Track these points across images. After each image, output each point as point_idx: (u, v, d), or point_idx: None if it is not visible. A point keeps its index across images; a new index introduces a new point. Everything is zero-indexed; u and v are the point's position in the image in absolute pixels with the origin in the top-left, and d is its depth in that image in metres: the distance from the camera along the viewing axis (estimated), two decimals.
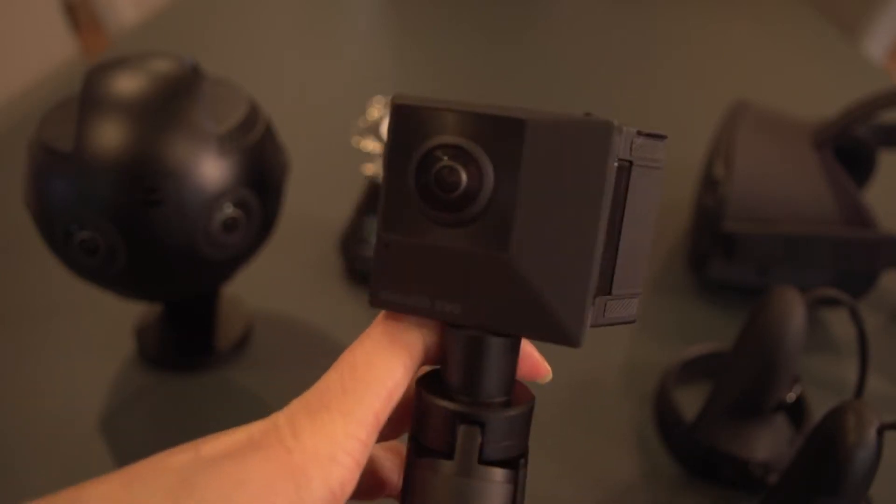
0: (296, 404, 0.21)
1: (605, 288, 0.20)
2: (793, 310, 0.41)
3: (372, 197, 0.58)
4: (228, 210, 0.43)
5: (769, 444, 0.44)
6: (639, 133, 0.20)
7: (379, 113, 0.56)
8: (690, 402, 0.49)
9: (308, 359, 0.54)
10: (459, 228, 0.20)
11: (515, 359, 0.22)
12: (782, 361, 0.42)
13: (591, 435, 0.48)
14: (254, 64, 1.02)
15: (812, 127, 0.60)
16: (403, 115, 0.20)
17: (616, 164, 0.19)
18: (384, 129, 0.56)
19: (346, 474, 0.19)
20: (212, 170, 0.42)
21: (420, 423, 0.21)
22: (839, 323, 0.58)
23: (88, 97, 0.42)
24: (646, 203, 0.21)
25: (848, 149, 0.61)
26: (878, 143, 0.61)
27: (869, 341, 0.42)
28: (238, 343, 0.54)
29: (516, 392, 0.22)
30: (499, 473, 0.20)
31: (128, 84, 0.42)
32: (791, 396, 0.44)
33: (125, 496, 0.20)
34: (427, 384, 0.22)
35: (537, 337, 0.20)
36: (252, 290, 0.59)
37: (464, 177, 0.19)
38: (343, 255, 0.61)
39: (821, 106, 0.79)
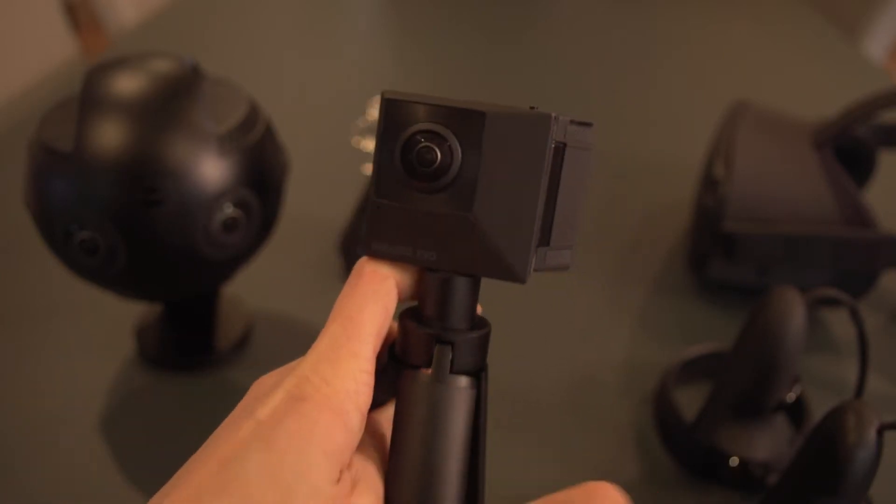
0: (312, 356, 0.25)
1: (545, 241, 0.27)
2: (793, 310, 0.41)
3: None
4: (228, 210, 0.43)
5: (769, 444, 0.44)
6: (571, 122, 0.26)
7: None
8: (690, 402, 0.49)
9: None
10: (434, 195, 0.26)
11: (476, 295, 0.27)
12: (782, 361, 0.42)
13: (591, 435, 0.48)
14: (254, 64, 1.02)
15: (812, 127, 0.60)
16: (391, 107, 0.26)
17: (553, 145, 0.25)
18: None
19: (366, 397, 0.25)
20: (212, 170, 0.42)
21: (403, 346, 0.27)
22: (839, 323, 0.58)
23: (88, 97, 0.42)
24: (577, 176, 0.27)
25: (848, 149, 0.61)
26: (878, 143, 0.61)
27: (869, 341, 0.42)
28: (238, 343, 0.54)
29: (477, 321, 0.28)
30: (465, 380, 0.26)
31: (128, 84, 0.42)
32: (791, 396, 0.44)
33: (221, 480, 0.23)
34: (409, 316, 0.28)
35: (493, 276, 0.26)
36: (252, 290, 0.59)
37: (438, 155, 0.25)
38: (343, 255, 0.61)
39: (821, 106, 0.79)
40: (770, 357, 0.42)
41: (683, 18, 1.21)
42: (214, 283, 0.48)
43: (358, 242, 0.27)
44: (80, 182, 0.41)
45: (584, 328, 0.57)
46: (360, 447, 0.27)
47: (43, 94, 1.04)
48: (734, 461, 0.44)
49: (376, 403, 0.29)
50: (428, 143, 0.25)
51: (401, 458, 0.26)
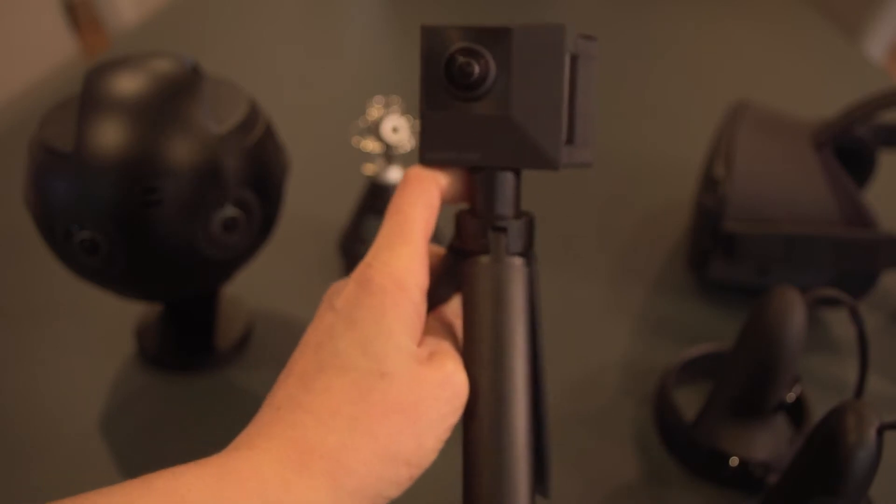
0: (372, 249, 0.30)
1: (570, 138, 0.31)
2: (793, 310, 0.41)
3: (372, 197, 0.58)
4: (228, 210, 0.43)
5: (769, 444, 0.44)
6: (580, 35, 0.31)
7: (379, 113, 0.56)
8: (690, 402, 0.49)
9: None
10: (475, 102, 0.30)
11: (519, 188, 0.32)
12: (782, 361, 0.42)
13: (591, 435, 0.48)
14: (254, 64, 1.02)
15: (812, 127, 0.60)
16: (430, 34, 0.31)
17: (569, 55, 0.30)
18: (385, 128, 0.56)
19: (423, 277, 0.30)
20: (212, 170, 0.42)
21: (462, 238, 0.32)
22: (839, 323, 0.58)
23: (88, 97, 0.42)
24: (589, 82, 0.32)
25: (848, 149, 0.61)
26: (878, 143, 0.61)
27: (869, 341, 0.42)
28: (238, 343, 0.54)
29: (521, 211, 0.32)
30: (519, 260, 0.30)
31: (128, 84, 0.42)
32: (791, 396, 0.44)
33: (318, 360, 0.28)
34: (465, 212, 0.32)
35: (532, 166, 0.30)
36: (252, 290, 0.59)
37: (476, 68, 0.30)
38: (343, 255, 0.61)
39: (821, 106, 0.79)
40: (770, 357, 0.42)
41: (683, 18, 1.21)
42: (214, 283, 0.48)
43: (421, 155, 0.32)
44: (80, 182, 0.41)
45: (584, 328, 0.57)
46: (433, 331, 0.31)
47: (43, 94, 1.04)
48: (734, 461, 0.44)
49: (441, 299, 0.34)
50: (467, 58, 0.30)
51: (475, 331, 0.30)
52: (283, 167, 0.49)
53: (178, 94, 0.43)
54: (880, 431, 0.33)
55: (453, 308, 0.34)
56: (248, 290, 0.58)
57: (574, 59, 0.30)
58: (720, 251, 0.56)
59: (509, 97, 0.30)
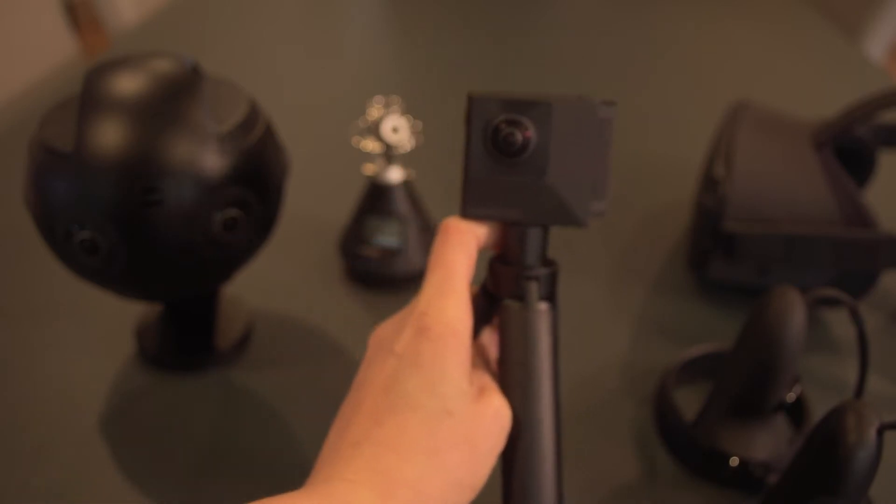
0: (424, 298, 0.33)
1: (595, 195, 0.35)
2: (793, 310, 0.41)
3: (372, 197, 0.58)
4: (228, 210, 0.43)
5: (769, 444, 0.44)
6: (602, 103, 0.34)
7: (379, 113, 0.56)
8: (690, 402, 0.49)
9: (308, 359, 0.54)
10: (517, 167, 0.34)
11: (547, 242, 0.35)
12: (782, 361, 0.42)
13: (591, 435, 0.48)
14: (254, 64, 1.02)
15: (812, 127, 0.60)
16: (478, 103, 0.34)
17: (605, 124, 0.34)
18: (385, 128, 0.56)
19: (470, 322, 0.33)
20: (212, 170, 0.42)
21: (496, 284, 0.35)
22: (839, 323, 0.58)
23: (88, 97, 0.42)
24: (610, 144, 0.35)
25: (848, 149, 0.60)
26: (878, 143, 0.61)
27: (869, 341, 0.42)
28: (238, 343, 0.54)
29: (548, 261, 0.36)
30: (545, 305, 0.35)
31: (128, 84, 0.42)
32: (791, 396, 0.44)
33: (389, 401, 0.31)
34: (498, 261, 0.35)
35: (562, 224, 0.34)
36: (252, 290, 0.59)
37: (519, 137, 0.33)
38: (343, 255, 0.61)
39: (821, 106, 0.79)
40: (770, 357, 0.42)
41: (683, 18, 1.21)
42: (214, 283, 0.48)
43: (462, 208, 0.35)
44: (80, 182, 0.41)
45: (584, 328, 0.57)
46: (475, 364, 0.35)
47: (43, 94, 1.04)
48: (734, 461, 0.44)
49: (476, 332, 0.37)
50: (511, 128, 0.33)
51: (510, 367, 0.34)
52: (283, 167, 0.49)
53: (178, 94, 0.43)
54: (880, 431, 0.33)
55: (486, 337, 0.38)
56: (248, 290, 0.58)
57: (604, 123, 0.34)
58: (720, 251, 0.56)
59: (547, 163, 0.34)
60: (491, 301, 0.36)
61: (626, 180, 0.76)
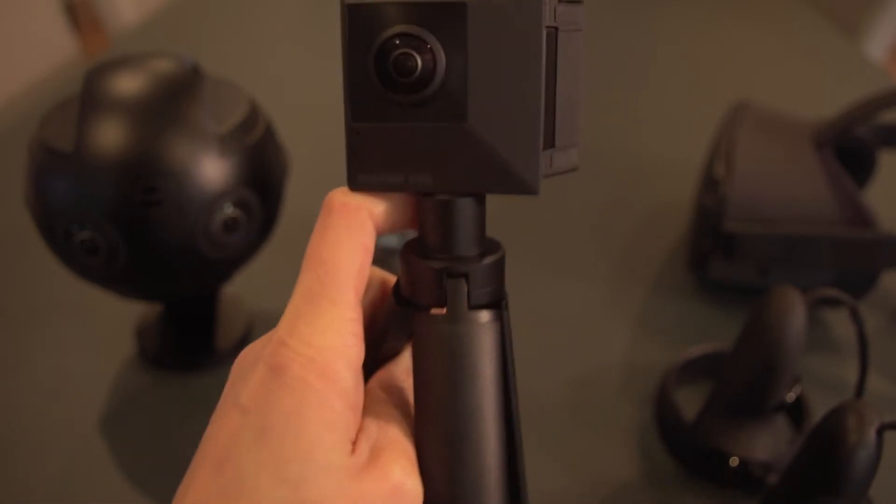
0: (287, 316, 0.23)
1: (550, 142, 0.23)
2: (793, 310, 0.41)
3: None
4: (228, 210, 0.43)
5: (769, 444, 0.44)
6: (560, 1, 0.23)
7: None
8: (690, 402, 0.49)
9: None
10: (420, 108, 0.22)
11: (483, 215, 0.24)
12: (782, 361, 0.42)
13: (591, 435, 0.48)
14: (254, 64, 1.02)
15: (812, 127, 0.60)
16: (356, 13, 0.22)
17: (546, 31, 0.22)
18: None
19: (357, 349, 0.22)
20: (212, 170, 0.42)
21: (410, 285, 0.24)
22: (839, 323, 0.58)
23: (88, 97, 0.42)
24: (574, 62, 0.23)
25: (848, 149, 0.60)
26: (879, 143, 0.61)
27: (869, 341, 0.42)
28: (238, 343, 0.54)
29: (488, 245, 0.25)
30: (486, 315, 0.23)
31: (128, 84, 0.42)
32: (791, 396, 0.44)
33: (220, 486, 0.21)
34: (412, 250, 0.24)
35: (501, 191, 0.23)
36: (252, 290, 0.59)
37: (419, 60, 0.22)
38: None
39: (821, 106, 0.79)
40: (770, 357, 0.42)
41: (683, 18, 1.21)
42: (214, 283, 0.48)
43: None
44: (80, 182, 0.41)
45: (584, 328, 0.57)
46: (376, 408, 0.24)
47: (43, 94, 1.04)
48: (734, 461, 0.44)
49: (389, 353, 0.26)
50: (405, 49, 0.22)
51: (428, 415, 0.23)
52: (283, 167, 0.49)
53: (178, 94, 0.43)
54: (880, 431, 0.33)
55: (405, 365, 0.27)
56: (248, 290, 0.58)
57: (552, 35, 0.22)
58: (720, 251, 0.56)
59: (465, 99, 0.22)
60: (406, 311, 0.24)
61: (625, 180, 0.76)
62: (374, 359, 0.26)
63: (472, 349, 0.23)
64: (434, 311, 0.23)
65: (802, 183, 0.56)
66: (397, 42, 0.22)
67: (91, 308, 0.58)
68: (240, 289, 0.58)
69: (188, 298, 0.50)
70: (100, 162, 0.40)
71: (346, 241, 0.23)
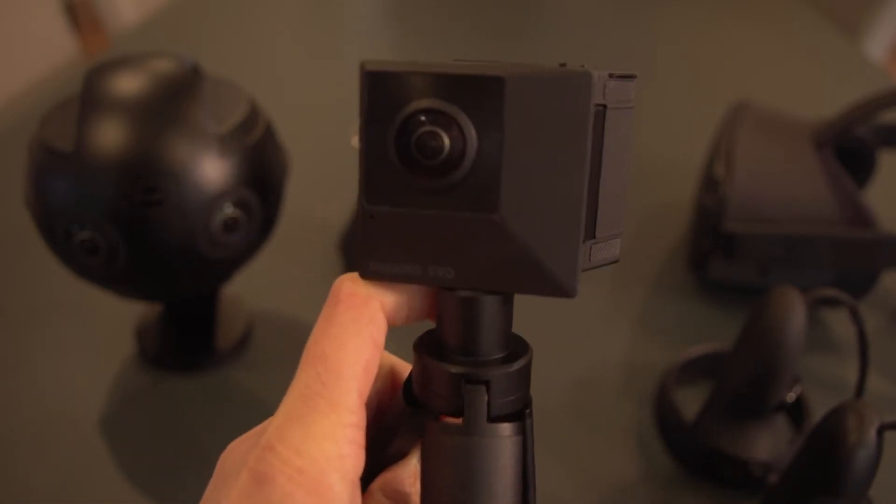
0: (280, 416, 0.20)
1: (590, 233, 0.21)
2: (793, 310, 0.41)
3: None
4: (228, 210, 0.43)
5: (769, 444, 0.44)
6: (610, 76, 0.20)
7: None
8: (690, 402, 0.49)
9: None
10: (445, 193, 0.20)
11: (510, 312, 0.22)
12: (782, 361, 0.42)
13: (591, 435, 0.48)
14: (254, 64, 1.02)
15: (812, 127, 0.60)
16: (377, 82, 0.20)
17: (593, 109, 0.19)
18: None
19: (355, 460, 0.20)
20: (212, 170, 0.42)
21: (423, 388, 0.21)
22: (839, 323, 0.58)
23: (88, 97, 0.42)
24: (621, 144, 0.21)
25: (848, 149, 0.60)
26: (879, 143, 0.61)
27: (869, 341, 0.42)
28: (238, 343, 0.54)
29: (514, 345, 0.22)
30: (507, 428, 0.21)
31: (128, 84, 0.42)
32: (791, 396, 0.44)
33: None
34: (427, 347, 0.22)
35: (531, 291, 0.20)
36: (252, 290, 0.59)
37: (446, 141, 0.19)
38: (343, 255, 0.61)
39: (821, 106, 0.79)
40: (770, 357, 0.42)
41: (683, 18, 1.21)
42: (214, 283, 0.48)
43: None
44: (80, 182, 0.41)
45: (584, 328, 0.57)
46: None
47: (43, 94, 1.03)
48: (734, 461, 0.44)
49: (395, 456, 0.24)
50: (431, 127, 0.19)
51: None
52: (283, 167, 0.49)
53: (178, 94, 0.43)
54: (880, 431, 0.33)
55: (412, 469, 0.24)
56: (248, 290, 0.58)
57: (600, 114, 0.20)
58: (720, 251, 0.56)
59: (497, 187, 0.20)
60: (418, 415, 0.22)
61: None
62: (379, 459, 0.24)
63: (489, 465, 0.20)
64: (442, 421, 0.21)
65: (802, 183, 0.56)
66: (423, 119, 0.19)
67: (91, 308, 0.58)
68: (240, 289, 0.58)
69: (188, 298, 0.50)
70: (100, 162, 0.40)
71: (353, 336, 0.20)
